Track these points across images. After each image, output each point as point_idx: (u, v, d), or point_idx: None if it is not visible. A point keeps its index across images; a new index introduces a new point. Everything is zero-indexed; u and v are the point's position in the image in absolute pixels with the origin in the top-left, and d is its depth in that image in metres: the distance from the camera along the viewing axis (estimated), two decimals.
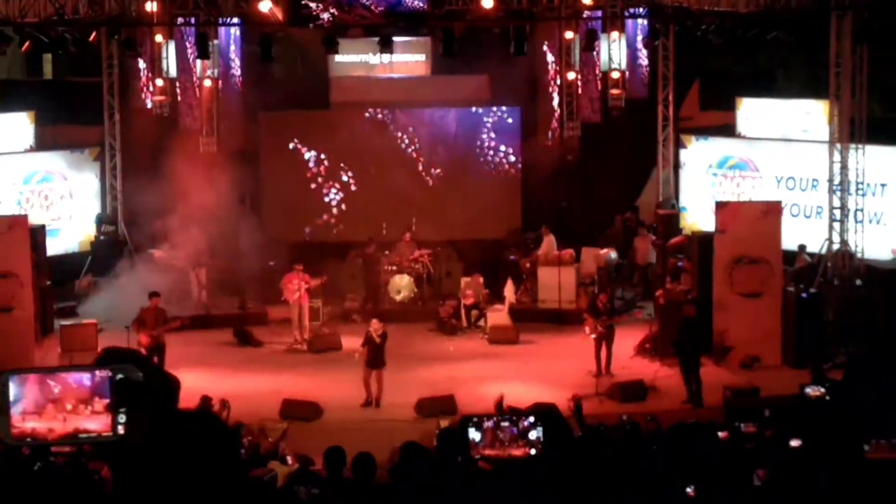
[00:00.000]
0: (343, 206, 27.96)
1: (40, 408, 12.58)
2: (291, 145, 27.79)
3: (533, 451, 4.75)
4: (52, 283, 24.11)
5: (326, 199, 27.97)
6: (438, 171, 27.91)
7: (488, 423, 4.62)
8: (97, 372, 10.12)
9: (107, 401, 7.71)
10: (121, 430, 6.33)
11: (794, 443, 12.33)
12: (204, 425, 4.86)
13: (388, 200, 27.15)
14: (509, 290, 25.08)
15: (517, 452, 4.73)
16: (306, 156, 27.92)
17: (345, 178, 27.96)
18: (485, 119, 28.16)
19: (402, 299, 25.29)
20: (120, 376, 6.03)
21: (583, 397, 14.59)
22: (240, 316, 24.81)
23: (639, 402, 19.38)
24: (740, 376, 20.32)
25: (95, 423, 9.61)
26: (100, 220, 27.38)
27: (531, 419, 4.89)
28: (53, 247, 25.38)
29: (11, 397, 10.07)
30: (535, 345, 23.35)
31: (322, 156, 27.92)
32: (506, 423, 4.78)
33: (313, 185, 27.95)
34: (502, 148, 28.14)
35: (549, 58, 27.53)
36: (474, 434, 4.51)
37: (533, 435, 4.86)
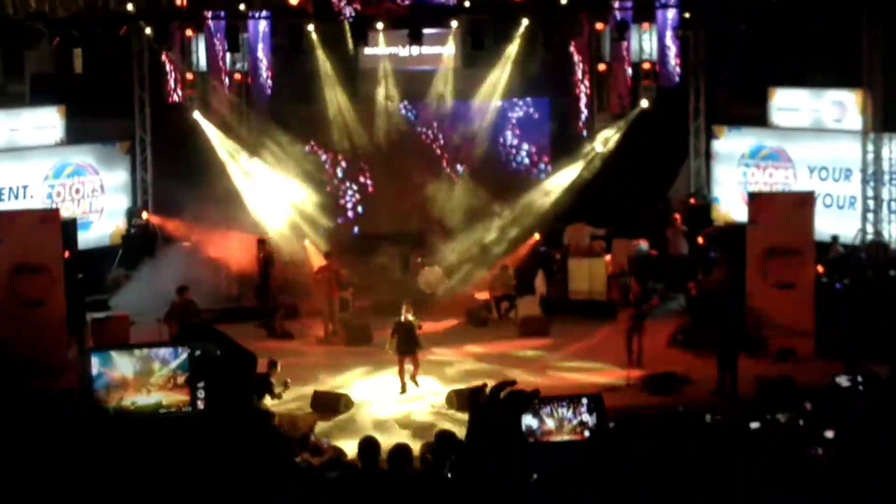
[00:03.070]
0: (369, 199, 27.91)
1: (125, 381, 12.70)
2: (308, 148, 27.63)
3: (587, 435, 4.68)
4: (83, 277, 24.16)
5: (352, 193, 27.93)
6: (464, 166, 27.83)
7: (545, 410, 4.52)
8: (178, 348, 10.23)
9: (187, 375, 7.77)
10: (200, 404, 6.34)
11: (829, 433, 12.26)
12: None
13: (417, 193, 27.09)
14: (540, 282, 25.00)
15: (574, 437, 4.64)
16: (327, 153, 27.84)
17: (370, 172, 27.87)
18: (513, 110, 28.08)
19: (432, 290, 25.24)
20: (198, 353, 6.02)
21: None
22: (270, 308, 24.81)
23: (671, 393, 19.27)
24: (774, 368, 20.17)
25: (177, 396, 9.71)
26: (131, 214, 27.46)
27: (585, 403, 4.81)
28: (85, 240, 25.41)
29: (95, 372, 10.20)
30: (566, 336, 23.25)
31: (347, 148, 27.82)
32: (563, 409, 4.69)
33: (338, 178, 27.90)
34: (531, 139, 28.07)
35: (576, 57, 27.46)
36: (531, 421, 4.42)
37: (588, 420, 4.77)
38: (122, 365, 14.10)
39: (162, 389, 13.88)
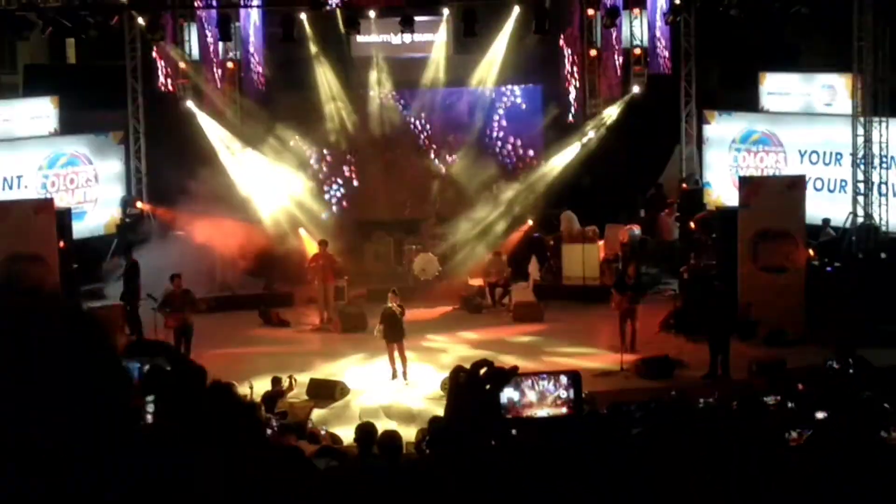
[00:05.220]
0: (362, 187, 27.94)
1: None
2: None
3: (564, 410, 4.77)
4: (78, 266, 24.25)
5: (344, 181, 28.00)
6: (457, 153, 27.87)
7: (526, 383, 4.61)
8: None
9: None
10: (149, 418, 6.40)
11: (820, 415, 12.39)
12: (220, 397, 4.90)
13: (410, 180, 27.16)
14: (534, 268, 25.11)
15: (554, 412, 4.73)
16: (319, 141, 27.85)
17: (363, 160, 27.89)
18: (505, 98, 28.12)
19: (426, 277, 25.33)
20: (147, 367, 6.08)
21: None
22: (265, 296, 24.92)
23: (663, 377, 19.40)
24: (765, 350, 20.32)
25: None
26: (125, 203, 27.53)
27: (565, 379, 4.92)
28: (79, 230, 25.48)
29: None
30: (560, 322, 23.37)
31: (340, 137, 27.83)
32: (544, 382, 4.78)
33: (331, 166, 27.95)
34: (522, 126, 28.11)
35: (569, 37, 27.51)
36: (512, 393, 4.52)
37: (565, 395, 4.87)
38: None
39: None
